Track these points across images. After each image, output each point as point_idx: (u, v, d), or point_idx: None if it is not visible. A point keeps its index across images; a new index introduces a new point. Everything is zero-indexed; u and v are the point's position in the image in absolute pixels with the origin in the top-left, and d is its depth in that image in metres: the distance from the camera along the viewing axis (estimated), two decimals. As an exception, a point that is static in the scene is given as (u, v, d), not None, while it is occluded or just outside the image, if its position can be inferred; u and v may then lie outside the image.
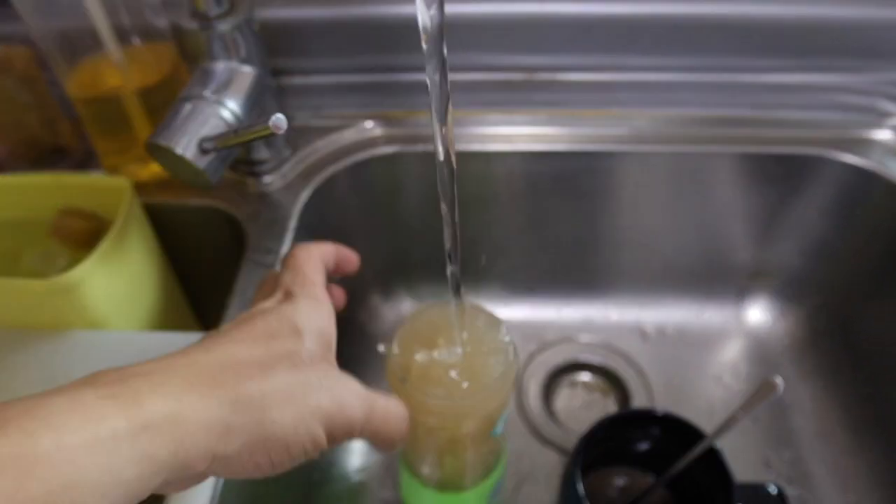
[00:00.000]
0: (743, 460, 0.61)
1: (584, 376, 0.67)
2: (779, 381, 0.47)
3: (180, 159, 0.46)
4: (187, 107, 0.48)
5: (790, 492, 0.58)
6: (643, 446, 0.56)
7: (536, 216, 0.66)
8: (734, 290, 0.70)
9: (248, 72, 0.52)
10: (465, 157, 0.61)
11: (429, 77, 0.28)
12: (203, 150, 0.47)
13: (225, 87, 0.50)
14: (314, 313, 0.31)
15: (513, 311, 0.71)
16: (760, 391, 0.48)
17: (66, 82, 0.55)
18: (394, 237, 0.66)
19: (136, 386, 0.23)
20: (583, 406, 0.65)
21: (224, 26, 0.50)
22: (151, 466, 0.22)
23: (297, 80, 0.64)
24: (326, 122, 0.62)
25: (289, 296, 0.32)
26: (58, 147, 0.62)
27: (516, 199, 0.65)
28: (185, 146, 0.46)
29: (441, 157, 0.31)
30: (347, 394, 0.29)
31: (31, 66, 0.58)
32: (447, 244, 0.35)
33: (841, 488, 0.59)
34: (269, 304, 0.32)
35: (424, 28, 0.26)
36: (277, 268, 0.52)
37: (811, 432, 0.62)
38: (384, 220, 0.64)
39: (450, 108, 0.29)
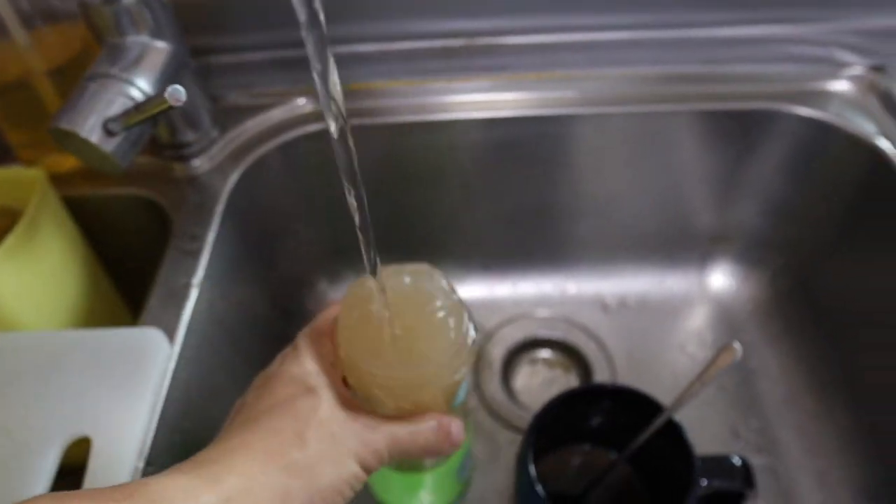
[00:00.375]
0: (710, 430, 0.59)
1: (544, 353, 0.65)
2: (737, 346, 0.45)
3: (85, 142, 0.43)
4: (92, 87, 0.45)
5: (758, 460, 0.57)
6: (601, 422, 0.54)
7: (486, 187, 0.63)
8: (696, 255, 0.67)
9: (160, 47, 0.48)
10: (405, 128, 0.58)
11: (306, 43, 0.25)
12: (109, 132, 0.44)
13: (135, 64, 0.46)
14: (315, 360, 0.35)
15: (467, 289, 0.68)
16: (718, 358, 0.46)
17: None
18: (335, 218, 0.62)
19: (214, 470, 0.29)
20: (543, 384, 0.63)
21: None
22: None
23: (227, 58, 0.60)
24: (257, 100, 0.59)
25: (294, 348, 0.36)
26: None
27: (463, 171, 0.62)
28: (90, 129, 0.43)
29: (335, 134, 0.28)
30: (367, 432, 0.33)
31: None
32: (358, 224, 0.32)
33: (810, 453, 0.57)
34: (275, 364, 0.36)
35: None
36: (204, 254, 0.49)
37: (778, 398, 0.60)
38: (322, 200, 0.61)
39: (334, 78, 0.26)
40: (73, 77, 0.52)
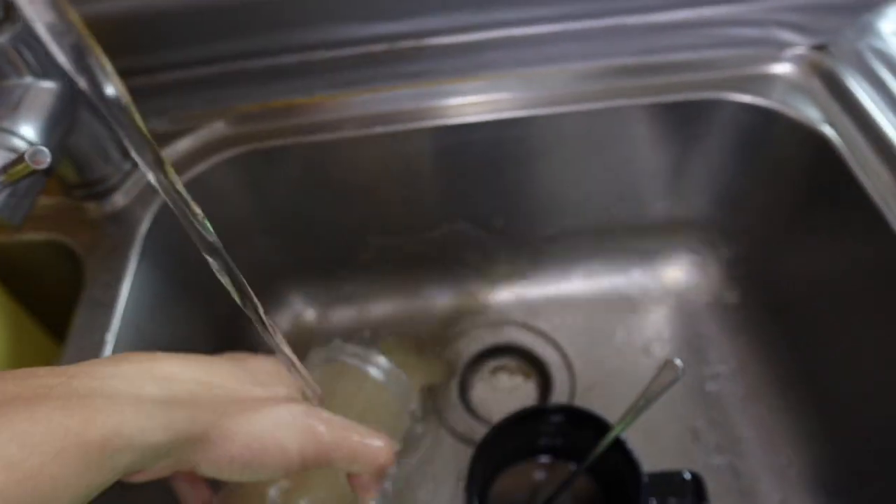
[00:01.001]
0: (669, 431, 0.57)
1: (501, 360, 0.63)
2: (678, 362, 0.43)
3: (-31, 203, 0.40)
4: (-31, 142, 0.41)
5: (718, 460, 0.55)
6: (553, 440, 0.52)
7: (424, 195, 0.60)
8: (651, 249, 0.65)
9: (47, 87, 0.45)
10: (332, 145, 0.55)
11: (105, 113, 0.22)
12: (-11, 191, 0.41)
13: (15, 110, 0.43)
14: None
15: (418, 298, 0.66)
16: (660, 377, 0.44)
17: None
18: (267, 241, 0.60)
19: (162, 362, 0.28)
20: (502, 394, 0.61)
21: (5, 39, 0.43)
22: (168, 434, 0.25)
23: (142, 80, 0.57)
24: (173, 125, 0.56)
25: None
26: None
27: (405, 181, 0.59)
28: (-33, 189, 0.40)
29: (176, 211, 0.25)
30: (318, 422, 0.32)
31: None
32: (236, 297, 0.29)
33: (772, 450, 0.55)
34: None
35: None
36: (119, 303, 0.47)
37: (738, 395, 0.58)
38: (252, 224, 0.58)
39: (157, 151, 0.23)
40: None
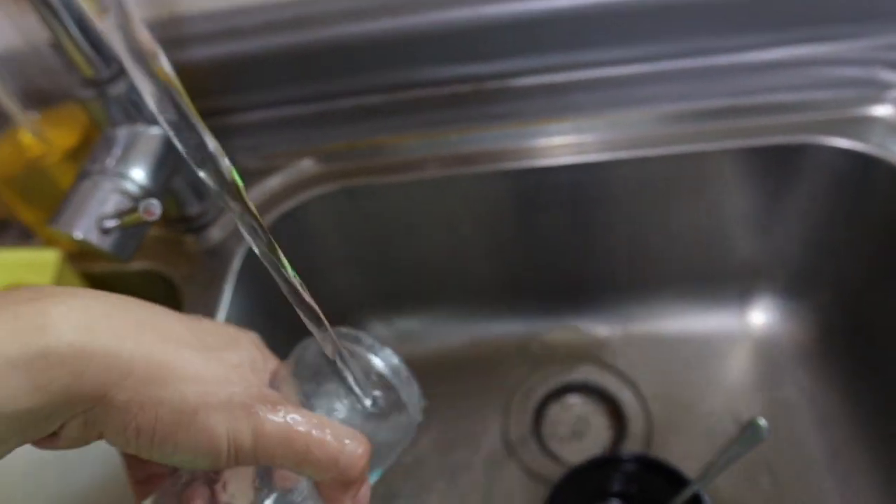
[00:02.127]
0: (749, 483, 0.55)
1: (575, 399, 0.63)
2: (762, 422, 0.42)
3: (82, 242, 0.44)
4: (84, 185, 0.45)
5: (804, 518, 0.53)
6: (628, 486, 0.52)
7: (515, 235, 0.61)
8: (736, 292, 0.63)
9: (154, 134, 0.48)
10: (416, 184, 0.56)
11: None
12: (104, 231, 0.44)
13: (127, 155, 0.46)
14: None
15: (498, 334, 0.66)
16: (744, 436, 0.43)
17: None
18: (354, 274, 0.62)
19: (45, 308, 0.22)
20: (576, 434, 0.61)
21: (116, 90, 0.46)
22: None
23: (236, 119, 0.60)
24: (265, 163, 0.58)
25: None
26: (-2, 219, 0.60)
27: (487, 220, 0.60)
28: (85, 230, 0.43)
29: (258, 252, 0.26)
30: (266, 408, 0.26)
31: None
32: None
33: (861, 510, 0.53)
34: None
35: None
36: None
37: (823, 450, 0.56)
38: (332, 259, 0.60)
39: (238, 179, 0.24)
40: (83, 153, 0.53)
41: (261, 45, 0.56)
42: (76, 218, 0.44)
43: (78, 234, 0.43)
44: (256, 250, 0.26)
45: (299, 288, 0.28)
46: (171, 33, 0.56)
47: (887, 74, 0.53)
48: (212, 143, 0.23)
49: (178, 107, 0.22)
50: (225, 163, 0.24)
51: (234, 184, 0.24)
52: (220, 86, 0.58)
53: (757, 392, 0.60)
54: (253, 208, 0.25)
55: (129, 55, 0.19)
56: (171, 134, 0.22)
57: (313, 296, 0.59)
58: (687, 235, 0.60)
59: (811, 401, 0.58)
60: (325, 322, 0.29)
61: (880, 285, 0.55)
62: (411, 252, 0.61)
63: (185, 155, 0.23)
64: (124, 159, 0.46)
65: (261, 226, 0.25)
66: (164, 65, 0.20)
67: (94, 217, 0.44)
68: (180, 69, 0.57)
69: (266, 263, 0.27)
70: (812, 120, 0.53)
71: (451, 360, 0.66)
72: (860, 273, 0.57)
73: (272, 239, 0.26)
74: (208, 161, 0.23)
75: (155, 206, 0.36)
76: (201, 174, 0.23)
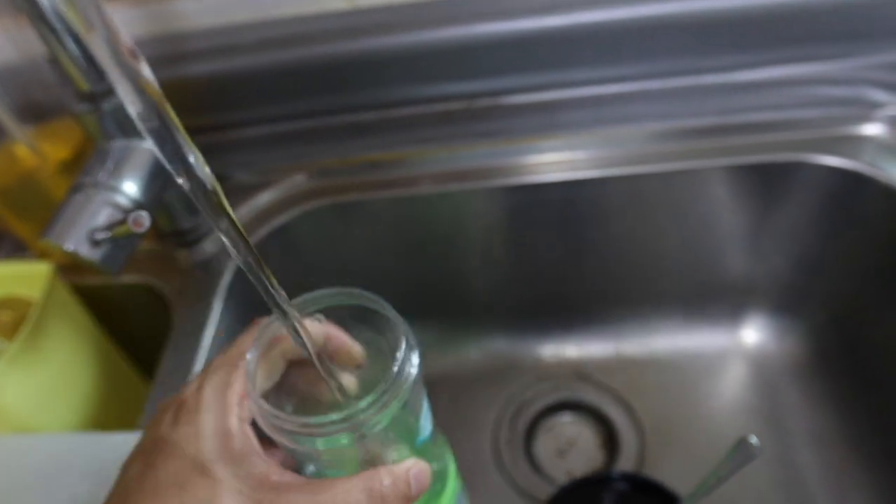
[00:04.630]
0: (740, 503, 0.55)
1: (567, 417, 0.62)
2: (753, 440, 0.42)
3: (73, 254, 0.44)
4: (77, 198, 0.45)
5: (797, 539, 0.53)
6: (618, 506, 0.51)
7: (505, 252, 0.61)
8: (728, 310, 0.63)
9: (147, 148, 0.48)
10: (408, 201, 0.57)
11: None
12: (95, 243, 0.44)
13: (119, 168, 0.47)
14: (216, 417, 0.27)
15: (489, 351, 0.66)
16: (735, 455, 0.42)
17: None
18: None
19: None
20: (566, 451, 0.61)
21: (111, 103, 0.46)
22: None
23: (231, 135, 0.60)
24: (258, 178, 0.59)
25: (197, 390, 0.29)
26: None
27: (479, 238, 0.60)
28: (76, 242, 0.44)
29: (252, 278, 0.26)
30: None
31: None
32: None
33: (856, 531, 0.52)
34: (166, 422, 0.29)
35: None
36: (202, 347, 0.49)
37: (818, 468, 0.55)
38: (328, 276, 0.60)
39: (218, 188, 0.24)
40: (76, 166, 0.54)
41: (256, 61, 0.56)
42: (67, 230, 0.44)
43: (69, 246, 0.43)
44: (238, 260, 0.26)
45: (273, 291, 0.28)
46: (168, 50, 0.56)
47: (876, 93, 0.53)
48: (192, 153, 0.23)
49: (160, 117, 0.22)
50: (205, 171, 0.24)
51: (214, 192, 0.24)
52: (216, 102, 0.59)
53: (750, 410, 0.59)
54: (233, 215, 0.25)
55: (113, 67, 0.20)
56: (153, 143, 0.22)
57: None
58: (678, 253, 0.60)
59: (805, 419, 0.58)
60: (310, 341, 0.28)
61: (873, 303, 0.55)
62: (401, 270, 0.61)
63: (165, 163, 0.23)
64: (117, 172, 0.46)
65: (241, 234, 0.25)
66: (148, 75, 0.21)
67: (84, 229, 0.44)
68: (177, 85, 0.58)
69: (247, 272, 0.27)
70: (802, 139, 0.54)
71: (442, 377, 0.65)
72: (853, 290, 0.57)
73: (252, 246, 0.26)
74: (189, 170, 0.23)
75: (144, 218, 0.37)
76: (180, 181, 0.23)
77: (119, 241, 0.45)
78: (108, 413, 0.55)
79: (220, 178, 0.60)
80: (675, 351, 0.64)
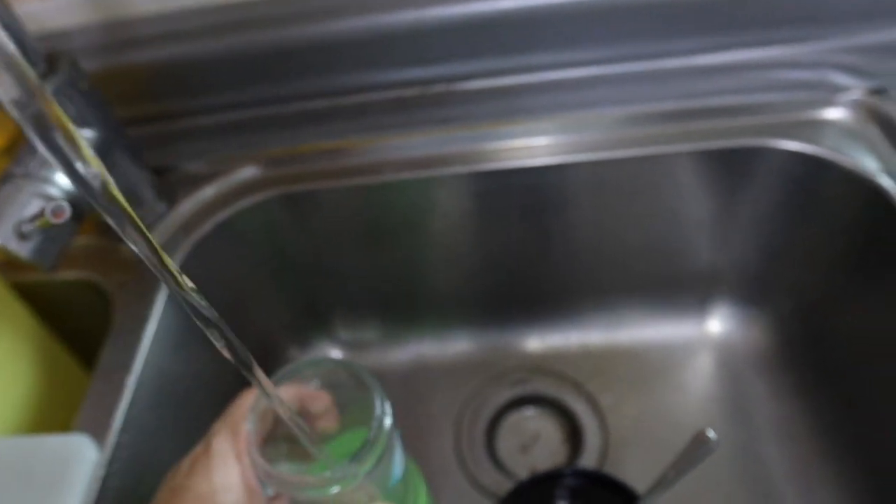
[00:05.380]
0: (704, 497, 0.54)
1: (532, 411, 0.61)
2: (710, 434, 0.41)
3: (2, 248, 0.42)
4: (7, 188, 0.43)
5: (762, 533, 0.51)
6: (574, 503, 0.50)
7: (465, 241, 0.59)
8: (694, 300, 0.62)
9: (85, 136, 0.46)
10: (363, 189, 0.55)
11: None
12: (23, 235, 0.42)
13: (50, 158, 0.44)
14: (228, 473, 0.32)
15: (451, 345, 0.65)
16: (692, 448, 0.41)
17: None
18: (297, 284, 0.60)
19: None
20: (529, 447, 0.59)
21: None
22: None
23: (181, 124, 0.58)
24: (207, 168, 0.57)
25: (206, 449, 0.33)
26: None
27: (439, 227, 0.58)
28: (3, 235, 0.41)
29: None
30: None
31: None
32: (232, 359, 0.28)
33: (821, 524, 0.51)
34: (184, 468, 0.33)
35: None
36: (142, 346, 0.47)
37: (783, 461, 0.54)
38: (279, 269, 0.58)
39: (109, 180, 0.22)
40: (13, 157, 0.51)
41: (203, 48, 0.54)
42: (-7, 223, 0.42)
43: (-6, 240, 0.41)
44: (143, 258, 0.24)
45: (218, 321, 0.26)
46: (112, 37, 0.54)
47: (839, 77, 0.52)
48: (76, 146, 0.21)
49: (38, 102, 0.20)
50: (93, 169, 0.22)
51: (105, 190, 0.22)
52: (163, 90, 0.56)
53: (716, 401, 0.58)
54: (133, 214, 0.23)
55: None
56: (33, 134, 0.20)
57: (251, 309, 0.57)
58: (643, 241, 0.58)
59: (771, 410, 0.57)
60: (250, 359, 0.28)
61: (838, 292, 0.54)
62: (356, 261, 0.59)
63: (49, 157, 0.21)
64: (49, 164, 0.44)
65: (141, 232, 0.23)
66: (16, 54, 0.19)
67: (12, 222, 0.42)
68: (122, 73, 0.55)
69: (156, 273, 0.25)
70: (764, 123, 0.52)
71: (401, 372, 0.64)
72: (818, 280, 0.55)
73: (155, 244, 0.24)
74: (70, 165, 0.21)
75: (63, 209, 0.35)
76: (67, 176, 0.21)
77: (49, 233, 0.43)
78: (52, 410, 0.53)
79: (166, 168, 0.58)
80: (641, 342, 0.62)
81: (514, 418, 0.61)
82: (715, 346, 0.61)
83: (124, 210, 0.23)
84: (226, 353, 0.28)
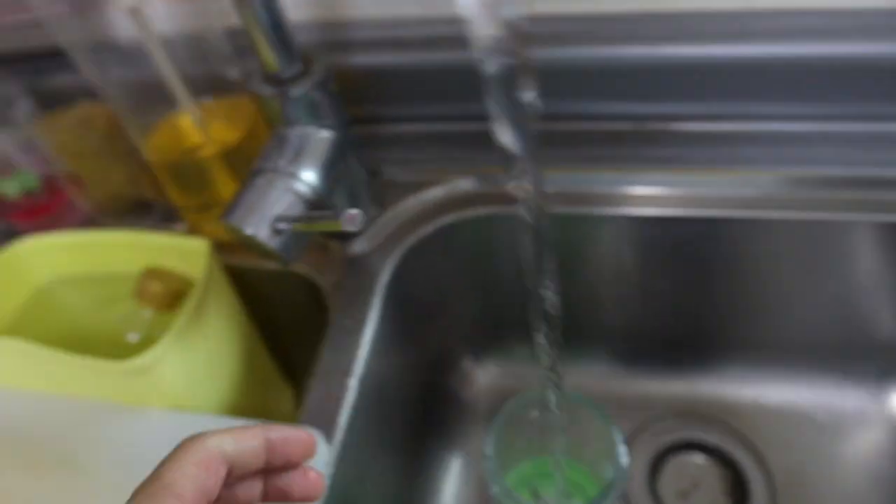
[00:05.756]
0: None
1: (697, 458, 0.60)
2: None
3: (251, 239, 0.43)
4: (259, 182, 0.45)
5: None
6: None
7: (643, 283, 0.59)
8: (874, 371, 0.60)
9: (325, 137, 0.48)
10: (565, 219, 0.55)
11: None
12: (276, 231, 0.44)
13: (299, 155, 0.46)
14: None
15: (616, 383, 0.65)
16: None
17: (143, 146, 0.53)
18: (486, 299, 0.61)
19: None
20: (692, 493, 0.58)
21: (298, 91, 0.46)
22: None
23: (387, 129, 0.60)
24: (417, 176, 0.57)
25: None
26: (142, 201, 0.61)
27: (621, 265, 0.58)
28: (256, 226, 0.43)
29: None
30: None
31: (114, 122, 0.56)
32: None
33: None
34: None
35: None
36: (363, 346, 0.48)
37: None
38: (476, 281, 0.59)
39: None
40: (240, 151, 0.54)
41: (421, 58, 0.56)
42: (248, 215, 0.43)
43: (249, 231, 0.43)
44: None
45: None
46: (332, 36, 0.56)
47: None
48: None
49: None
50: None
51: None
52: (376, 94, 0.58)
53: (890, 481, 0.56)
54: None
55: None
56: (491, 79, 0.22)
57: (438, 316, 0.56)
58: (827, 306, 0.57)
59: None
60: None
61: None
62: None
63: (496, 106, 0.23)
64: (296, 160, 0.46)
65: None
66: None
67: (267, 216, 0.43)
68: (340, 73, 0.56)
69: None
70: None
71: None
72: None
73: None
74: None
75: (358, 219, 0.36)
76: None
77: (312, 232, 0.44)
78: (248, 401, 0.55)
79: (372, 173, 0.58)
80: (815, 405, 0.61)
81: (677, 462, 0.60)
82: (894, 422, 0.59)
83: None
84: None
